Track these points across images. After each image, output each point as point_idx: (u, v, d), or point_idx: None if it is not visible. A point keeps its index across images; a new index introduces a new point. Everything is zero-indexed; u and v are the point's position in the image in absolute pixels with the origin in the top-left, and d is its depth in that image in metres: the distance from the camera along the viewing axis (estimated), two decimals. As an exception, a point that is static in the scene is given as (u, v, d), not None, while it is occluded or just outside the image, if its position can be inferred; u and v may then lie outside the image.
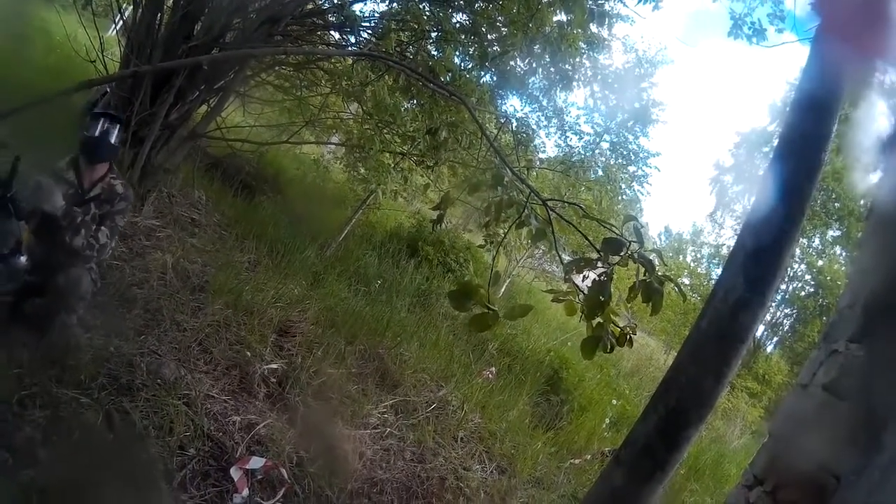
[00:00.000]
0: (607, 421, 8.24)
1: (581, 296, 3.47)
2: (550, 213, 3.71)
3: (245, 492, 3.65)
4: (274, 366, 4.90)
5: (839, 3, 1.92)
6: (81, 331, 4.01)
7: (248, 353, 4.83)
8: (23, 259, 3.65)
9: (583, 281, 3.59)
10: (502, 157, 4.10)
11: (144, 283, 5.01)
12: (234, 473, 3.68)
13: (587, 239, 3.82)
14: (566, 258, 3.95)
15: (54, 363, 3.63)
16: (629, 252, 3.27)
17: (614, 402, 8.96)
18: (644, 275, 3.28)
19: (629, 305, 3.96)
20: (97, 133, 3.85)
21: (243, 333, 5.03)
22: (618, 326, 3.44)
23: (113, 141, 3.93)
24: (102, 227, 3.88)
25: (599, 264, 3.38)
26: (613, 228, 3.54)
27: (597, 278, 3.30)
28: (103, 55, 7.11)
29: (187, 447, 3.69)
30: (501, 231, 5.79)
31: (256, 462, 3.81)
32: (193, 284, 5.38)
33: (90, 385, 3.63)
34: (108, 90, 4.29)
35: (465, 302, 3.26)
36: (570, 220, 4.20)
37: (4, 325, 3.70)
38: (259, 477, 3.81)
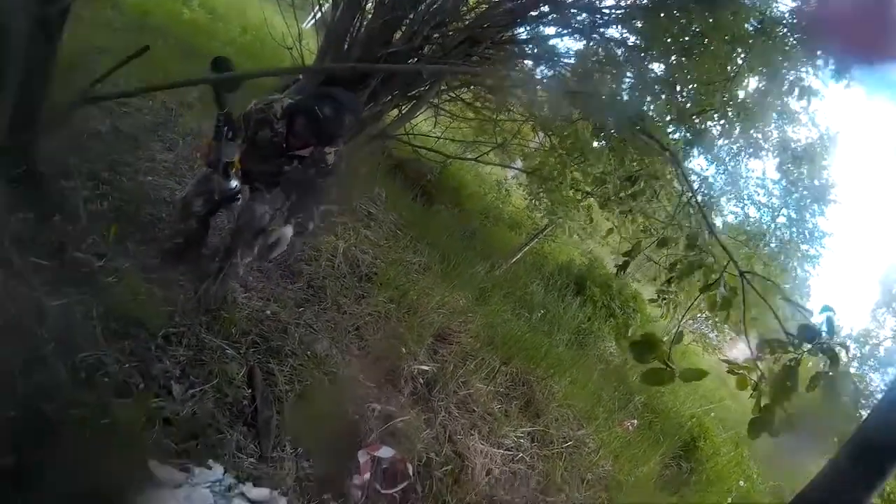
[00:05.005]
0: (729, 500, 8.02)
1: (758, 374, 3.44)
2: (746, 285, 3.69)
3: (366, 476, 3.71)
4: (425, 367, 4.99)
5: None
6: (241, 288, 4.17)
7: (403, 350, 4.94)
8: (234, 184, 3.60)
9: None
10: (707, 219, 4.09)
11: (313, 261, 5.21)
12: (361, 457, 3.75)
13: (779, 320, 3.76)
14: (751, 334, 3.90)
15: (208, 311, 3.76)
16: (820, 342, 3.20)
17: (741, 483, 8.65)
18: (829, 368, 3.20)
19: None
20: (333, 116, 3.55)
21: (401, 330, 5.14)
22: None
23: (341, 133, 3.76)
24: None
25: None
26: (806, 314, 3.47)
27: (786, 364, 3.26)
28: (300, 44, 7.49)
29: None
30: (675, 289, 5.72)
31: (386, 451, 3.86)
32: (361, 273, 5.53)
33: (239, 339, 3.79)
34: (301, 77, 4.50)
35: (646, 354, 3.27)
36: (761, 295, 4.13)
37: (172, 262, 3.83)
38: (384, 466, 3.86)
